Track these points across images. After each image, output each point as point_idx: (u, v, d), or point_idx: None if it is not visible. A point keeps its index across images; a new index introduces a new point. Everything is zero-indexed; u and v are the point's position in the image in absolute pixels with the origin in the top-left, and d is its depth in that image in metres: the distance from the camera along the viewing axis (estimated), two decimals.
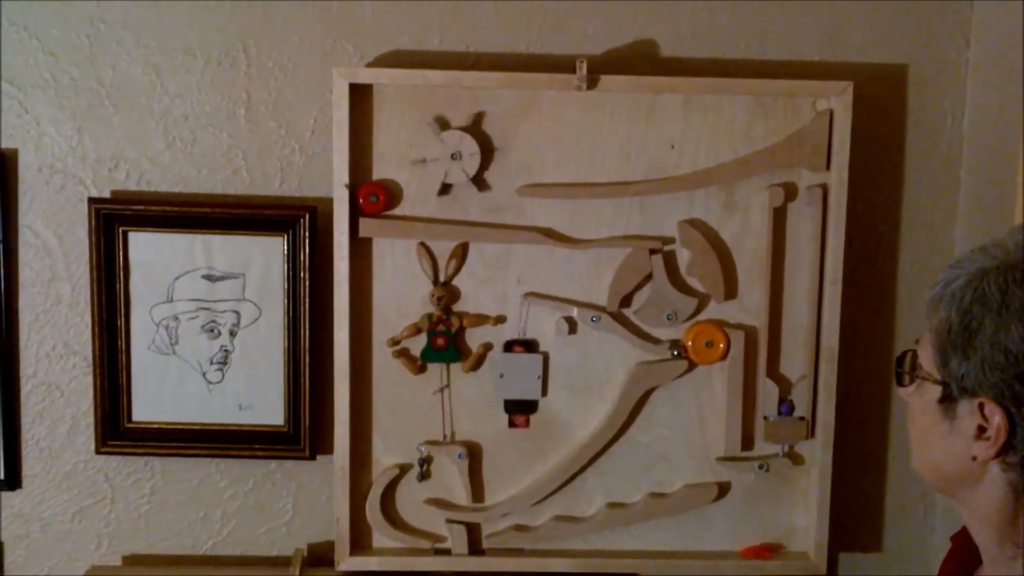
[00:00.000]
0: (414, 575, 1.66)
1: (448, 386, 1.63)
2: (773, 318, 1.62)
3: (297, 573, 1.65)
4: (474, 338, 1.62)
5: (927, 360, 1.01)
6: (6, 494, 1.70)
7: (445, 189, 1.57)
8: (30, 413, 1.68)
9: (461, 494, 1.66)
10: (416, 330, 1.60)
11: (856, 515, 1.78)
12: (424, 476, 1.65)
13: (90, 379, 1.64)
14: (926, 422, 1.02)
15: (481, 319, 1.61)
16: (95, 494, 1.71)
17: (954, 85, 1.66)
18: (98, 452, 1.66)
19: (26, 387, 1.67)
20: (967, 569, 1.12)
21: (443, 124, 1.55)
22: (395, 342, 1.60)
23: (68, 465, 1.70)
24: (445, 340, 1.60)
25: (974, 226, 1.64)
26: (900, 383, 1.08)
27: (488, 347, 1.62)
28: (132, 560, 1.72)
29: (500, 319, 1.61)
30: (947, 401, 0.99)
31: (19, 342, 1.66)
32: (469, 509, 1.67)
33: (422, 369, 1.62)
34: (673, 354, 1.61)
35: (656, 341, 1.61)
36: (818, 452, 1.65)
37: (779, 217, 1.59)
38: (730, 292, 1.62)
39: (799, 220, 1.60)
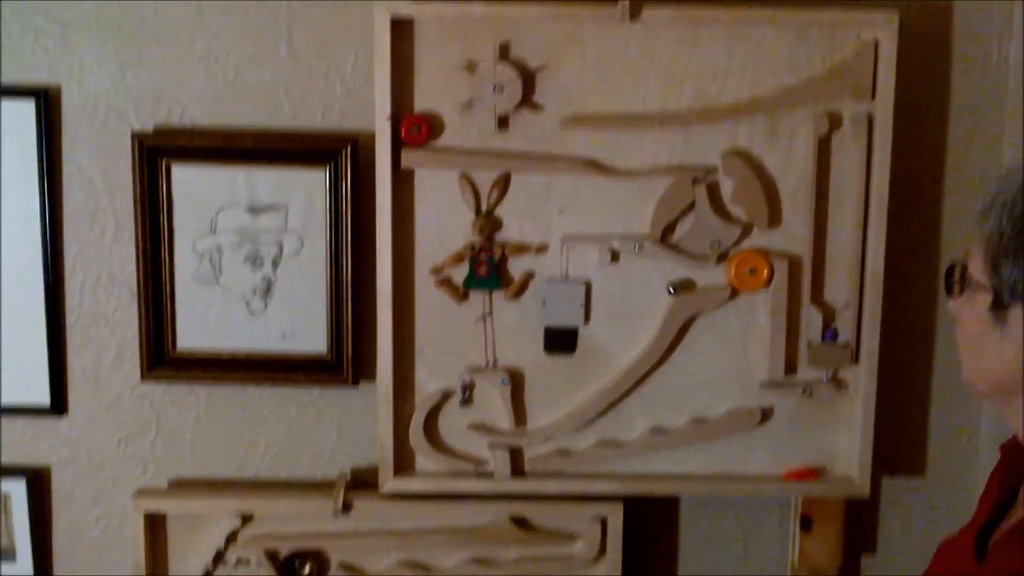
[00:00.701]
0: (457, 497, 2.01)
1: (491, 314, 1.97)
2: (817, 246, 1.89)
3: (341, 496, 2.01)
4: (516, 268, 1.91)
5: (977, 270, 1.21)
6: (53, 420, 2.06)
7: (503, 123, 1.85)
8: (76, 342, 2.01)
9: (504, 419, 2.01)
10: (459, 259, 1.91)
11: (900, 439, 2.08)
12: (467, 402, 1.99)
13: (135, 309, 1.96)
14: (977, 330, 1.23)
15: (523, 248, 1.92)
16: (140, 421, 2.06)
17: (1001, 13, 1.92)
18: (143, 380, 2.00)
19: (71, 317, 2.00)
20: (1016, 477, 1.34)
21: (477, 65, 1.82)
22: (438, 271, 1.93)
23: (114, 392, 2.05)
24: (487, 268, 1.93)
25: (1020, 155, 1.95)
26: (950, 293, 1.28)
27: (530, 276, 1.95)
28: (177, 485, 2.08)
29: (542, 248, 1.94)
30: (998, 308, 1.19)
31: (64, 274, 1.97)
32: (512, 434, 2.01)
33: (465, 296, 1.94)
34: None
35: (700, 266, 1.91)
36: (862, 377, 1.95)
37: (824, 147, 1.87)
38: (774, 220, 1.90)
39: (844, 150, 1.87)
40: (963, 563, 1.30)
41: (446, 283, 1.88)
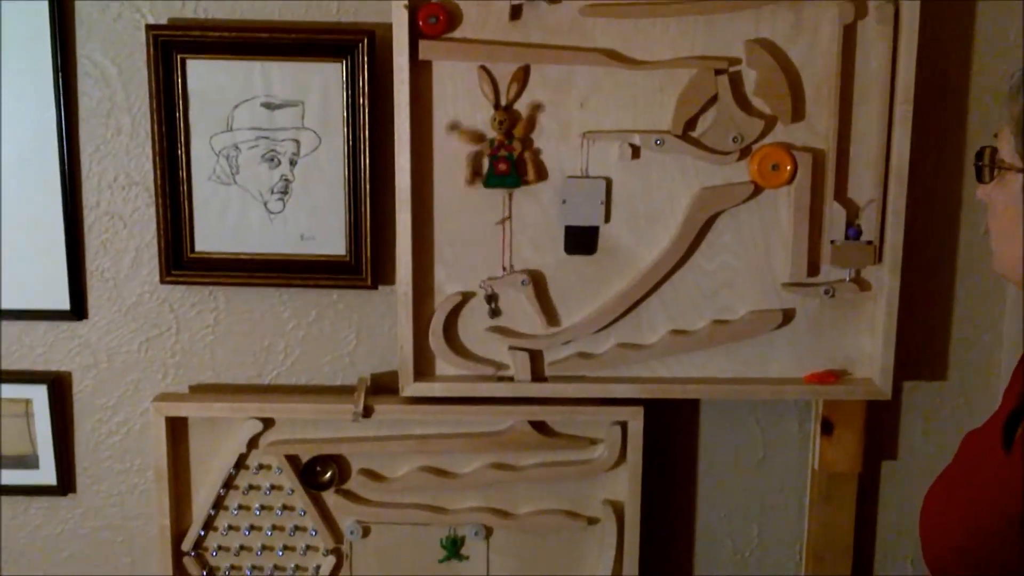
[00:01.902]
0: (477, 401, 1.96)
1: (509, 217, 1.91)
2: (841, 141, 1.83)
3: (362, 401, 1.97)
4: (535, 165, 1.87)
5: (1008, 152, 1.17)
6: (73, 324, 2.01)
7: (516, 12, 1.79)
8: (94, 244, 1.97)
9: (524, 322, 1.95)
10: (477, 138, 1.83)
11: (922, 343, 2.03)
12: (495, 313, 1.94)
13: (152, 210, 1.92)
14: (1009, 215, 1.18)
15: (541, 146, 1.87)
16: (160, 324, 2.02)
17: None
18: (162, 282, 1.95)
19: (89, 218, 1.96)
20: None
21: None
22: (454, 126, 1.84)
23: (133, 296, 2.00)
24: (507, 165, 1.87)
25: None
26: (980, 179, 1.23)
27: (548, 173, 1.89)
28: (198, 389, 2.05)
29: (562, 143, 1.88)
30: None
31: (81, 173, 1.93)
32: (531, 336, 1.95)
33: (477, 175, 1.85)
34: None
35: (721, 162, 1.86)
36: (885, 277, 1.90)
37: (849, 36, 1.80)
38: (798, 114, 1.83)
39: (869, 41, 1.80)
40: (989, 452, 1.27)
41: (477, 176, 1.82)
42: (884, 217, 1.86)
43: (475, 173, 1.82)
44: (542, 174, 1.84)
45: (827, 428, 1.98)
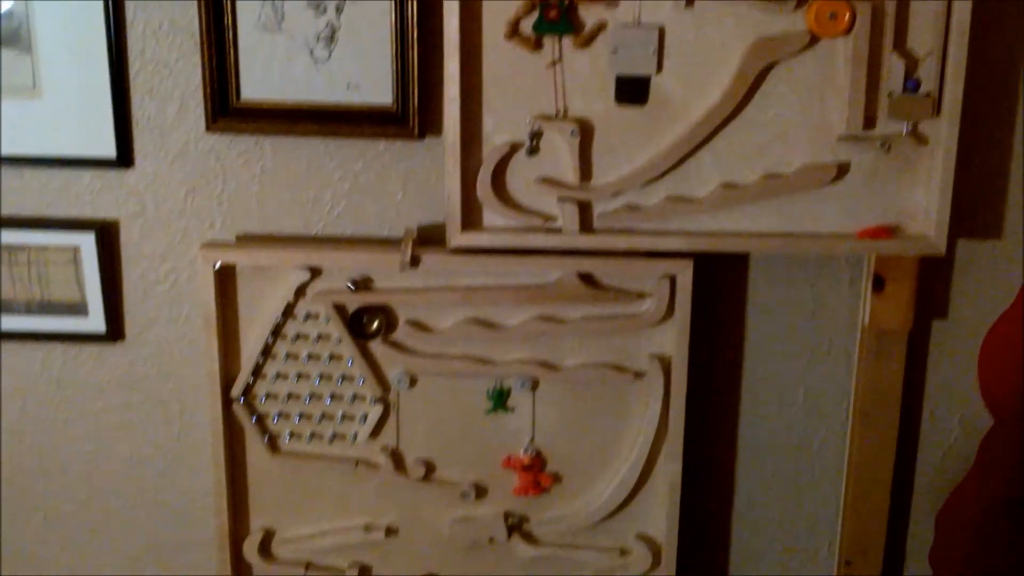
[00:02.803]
0: (524, 253, 1.94)
1: (560, 60, 1.86)
2: None
3: (409, 250, 1.95)
4: (588, 15, 1.80)
5: None
6: (119, 172, 2.00)
7: None
8: (140, 91, 1.94)
9: (572, 173, 1.92)
10: (531, 7, 1.80)
11: (978, 200, 1.98)
12: (533, 151, 1.90)
13: (197, 57, 1.89)
14: None
15: None
16: (206, 173, 2.00)
17: None
18: (208, 130, 1.93)
19: (134, 66, 1.92)
20: None
21: None
22: (512, 24, 1.81)
23: (179, 144, 1.98)
24: (557, 12, 1.81)
25: None
26: None
27: (602, 25, 1.84)
28: (245, 239, 2.05)
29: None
30: None
31: (126, 20, 1.89)
32: (580, 188, 1.93)
33: (538, 45, 1.83)
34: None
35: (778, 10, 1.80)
36: (943, 130, 1.84)
37: None
38: None
39: None
40: None
41: (516, 34, 1.75)
42: (944, 69, 1.81)
43: (513, 31, 1.76)
44: (591, 39, 1.80)
45: (878, 284, 1.95)
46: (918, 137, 1.85)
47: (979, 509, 1.57)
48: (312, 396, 2.01)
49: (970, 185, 1.93)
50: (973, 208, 1.97)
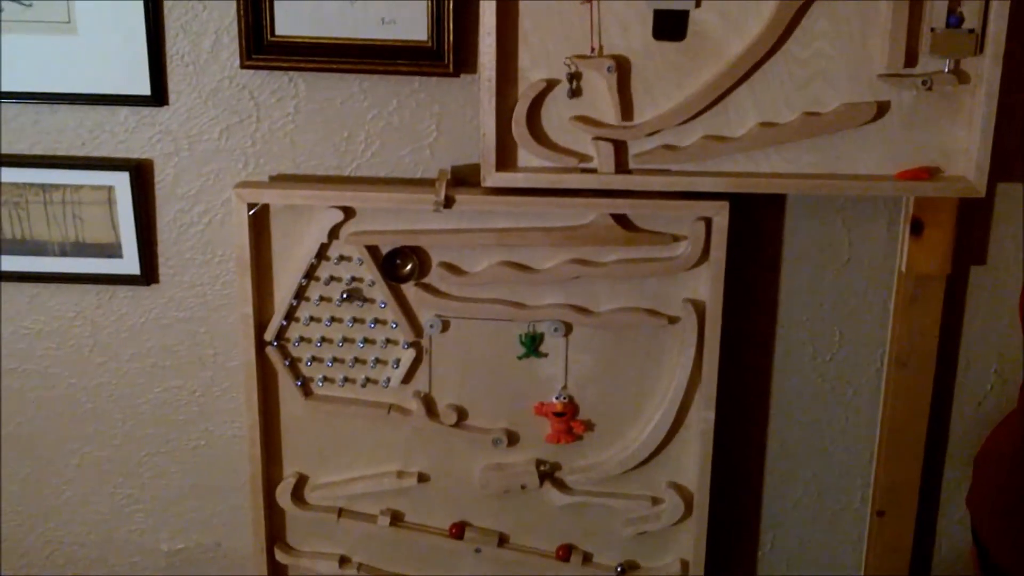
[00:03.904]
0: (559, 193, 1.90)
1: None
2: None
3: (443, 190, 1.91)
4: None
5: None
6: (153, 110, 1.96)
7: None
8: (174, 27, 1.89)
9: (608, 111, 1.87)
10: None
11: (1021, 142, 1.94)
12: (575, 93, 1.86)
13: None
14: None
15: None
16: (240, 112, 1.96)
17: None
18: (242, 67, 1.90)
19: (169, 1, 1.90)
20: None
21: None
22: None
23: (213, 81, 1.94)
24: None
25: None
26: None
27: None
28: (278, 179, 2.01)
29: None
30: None
31: None
32: (616, 127, 1.88)
33: None
34: None
35: None
36: (986, 68, 1.78)
37: None
38: None
39: None
40: None
41: None
42: (987, 5, 1.75)
43: None
44: None
45: (916, 228, 1.90)
46: (960, 75, 1.79)
47: (1018, 450, 1.52)
48: (345, 340, 1.97)
49: (1013, 126, 1.86)
50: (1016, 151, 1.90)
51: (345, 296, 1.94)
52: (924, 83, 1.79)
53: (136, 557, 2.22)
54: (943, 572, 2.17)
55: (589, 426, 2.02)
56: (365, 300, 1.94)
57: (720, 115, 1.84)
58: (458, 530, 2.07)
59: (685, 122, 1.84)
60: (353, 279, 1.93)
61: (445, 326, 1.96)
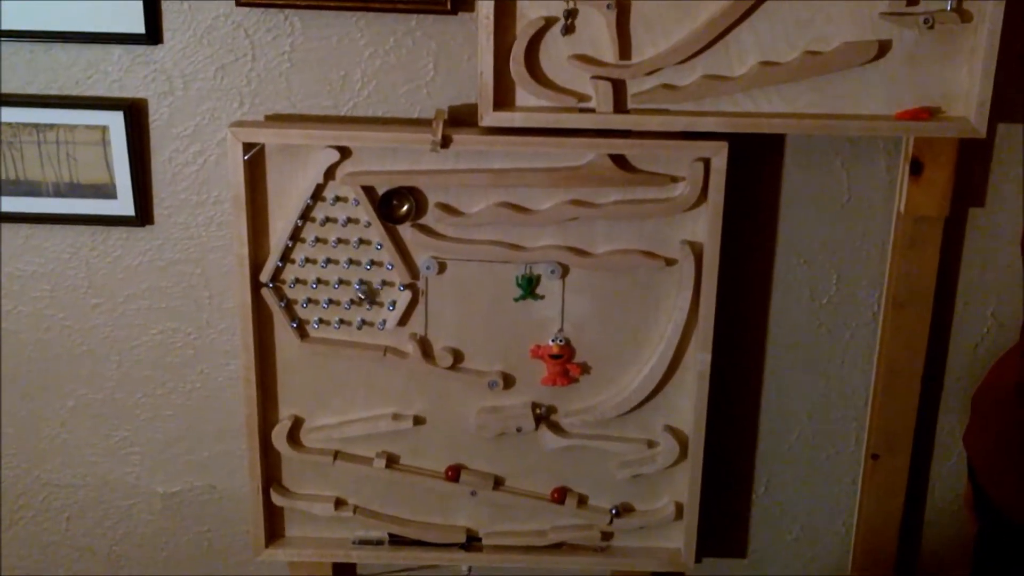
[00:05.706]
0: (557, 133, 1.85)
1: None
2: None
3: (440, 130, 1.86)
4: None
5: None
6: (147, 48, 1.91)
7: None
8: None
9: (607, 50, 1.82)
10: None
11: (1021, 82, 1.89)
12: (568, 30, 1.81)
13: None
14: None
15: None
16: (236, 51, 1.91)
17: None
18: (238, 4, 1.83)
19: None
20: None
21: None
22: None
23: (208, 19, 1.87)
24: None
25: None
26: None
27: None
28: (274, 119, 1.95)
29: None
30: None
31: None
32: (614, 66, 1.83)
33: None
34: None
35: None
36: (989, 7, 1.72)
37: None
38: None
39: None
40: None
41: None
42: None
43: None
44: None
45: (916, 168, 1.86)
46: (962, 14, 1.75)
47: (1016, 388, 1.48)
48: (341, 282, 1.93)
49: (1015, 67, 1.81)
50: (1017, 92, 1.86)
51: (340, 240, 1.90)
52: (926, 21, 1.74)
53: (132, 499, 2.19)
54: (937, 514, 2.14)
55: (585, 369, 1.99)
56: (361, 242, 1.89)
57: (720, 54, 1.79)
58: (454, 473, 2.04)
59: (685, 61, 1.79)
60: (349, 220, 1.88)
61: (441, 268, 1.93)
